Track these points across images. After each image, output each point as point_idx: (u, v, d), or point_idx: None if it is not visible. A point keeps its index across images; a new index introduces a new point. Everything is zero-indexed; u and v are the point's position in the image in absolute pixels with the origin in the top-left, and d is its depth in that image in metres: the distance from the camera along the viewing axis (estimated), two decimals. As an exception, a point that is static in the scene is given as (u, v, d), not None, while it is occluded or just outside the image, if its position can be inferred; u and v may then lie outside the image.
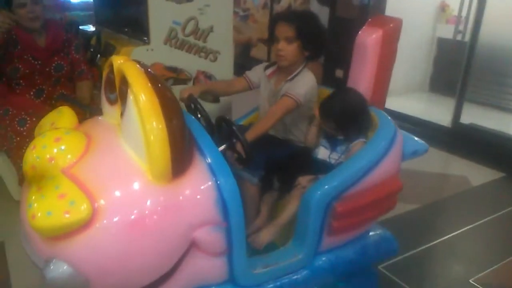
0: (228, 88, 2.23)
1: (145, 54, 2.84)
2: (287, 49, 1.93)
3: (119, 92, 1.31)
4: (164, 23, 2.86)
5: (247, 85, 2.15)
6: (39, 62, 2.59)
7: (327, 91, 2.03)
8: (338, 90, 1.98)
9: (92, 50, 3.17)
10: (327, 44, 2.09)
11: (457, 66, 4.17)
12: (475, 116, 4.21)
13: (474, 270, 2.30)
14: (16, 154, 2.45)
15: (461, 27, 4.49)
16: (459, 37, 4.52)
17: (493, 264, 2.35)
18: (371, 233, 1.93)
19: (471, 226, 2.73)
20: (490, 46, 4.40)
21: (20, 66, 2.54)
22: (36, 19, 2.52)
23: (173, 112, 1.22)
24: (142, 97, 1.17)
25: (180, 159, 1.25)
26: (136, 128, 1.21)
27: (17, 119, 2.46)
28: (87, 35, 3.41)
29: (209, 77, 3.13)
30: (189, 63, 3.04)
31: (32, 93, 2.64)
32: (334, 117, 1.82)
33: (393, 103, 4.38)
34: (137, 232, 1.21)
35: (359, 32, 1.93)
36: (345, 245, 1.80)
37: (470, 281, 2.22)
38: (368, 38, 1.88)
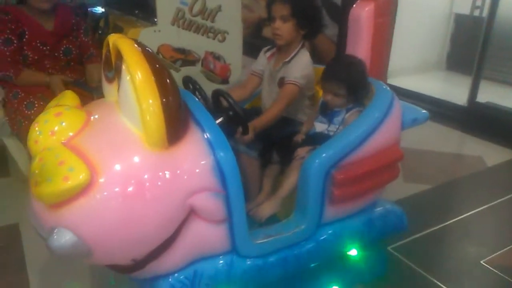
0: (244, 92, 2.24)
1: (153, 36, 2.82)
2: (283, 27, 1.96)
3: (115, 67, 1.34)
4: (171, 3, 2.83)
5: (259, 79, 2.19)
6: (48, 47, 2.58)
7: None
8: (339, 55, 1.99)
9: (100, 32, 3.16)
10: (322, 22, 2.10)
11: (475, 43, 4.03)
12: (492, 94, 4.10)
13: (486, 251, 2.27)
14: (25, 137, 2.43)
15: (478, 2, 4.34)
16: (476, 13, 4.37)
17: (506, 246, 2.31)
18: (379, 207, 1.94)
19: (484, 207, 2.68)
20: (509, 22, 4.24)
21: (29, 53, 2.54)
22: (47, 1, 2.50)
23: (168, 89, 1.25)
24: (138, 75, 1.20)
25: (175, 129, 1.29)
26: (131, 99, 1.25)
27: (25, 102, 2.47)
28: (96, 17, 3.40)
29: (217, 58, 3.10)
30: (197, 43, 3.01)
31: (41, 77, 2.64)
32: (345, 79, 1.82)
33: (409, 82, 4.31)
34: (135, 196, 1.25)
35: (353, 6, 1.95)
36: (351, 217, 1.82)
37: (482, 262, 2.19)
38: (361, 11, 1.92)
